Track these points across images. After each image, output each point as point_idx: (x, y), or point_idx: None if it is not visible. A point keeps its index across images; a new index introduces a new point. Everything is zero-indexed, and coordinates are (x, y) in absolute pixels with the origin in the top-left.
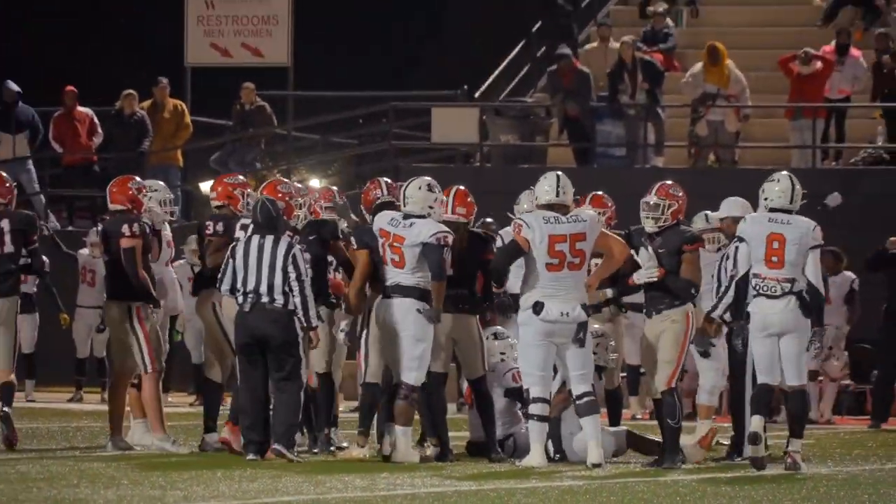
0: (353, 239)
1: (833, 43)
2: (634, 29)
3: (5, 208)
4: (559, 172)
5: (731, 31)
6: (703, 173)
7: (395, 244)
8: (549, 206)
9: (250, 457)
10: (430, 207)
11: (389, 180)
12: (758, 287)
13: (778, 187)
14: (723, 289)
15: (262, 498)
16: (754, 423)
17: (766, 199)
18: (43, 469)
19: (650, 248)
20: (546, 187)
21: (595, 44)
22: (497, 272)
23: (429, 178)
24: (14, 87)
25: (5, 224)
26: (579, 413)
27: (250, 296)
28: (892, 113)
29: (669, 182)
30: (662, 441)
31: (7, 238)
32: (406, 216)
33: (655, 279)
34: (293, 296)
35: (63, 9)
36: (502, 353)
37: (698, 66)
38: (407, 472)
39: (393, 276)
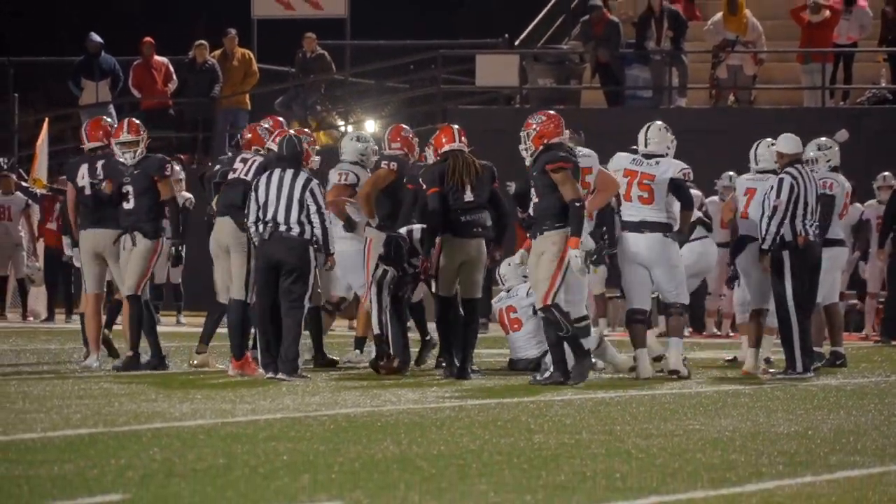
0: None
1: None
2: None
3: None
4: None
5: None
6: (723, 112)
7: (643, 181)
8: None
9: (269, 375)
10: (668, 147)
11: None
12: None
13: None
14: (765, 220)
15: (322, 410)
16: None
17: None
18: (124, 385)
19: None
20: None
21: None
22: (519, 197)
23: (663, 122)
24: (97, 38)
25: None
26: (580, 335)
27: (269, 224)
28: (895, 57)
29: (536, 113)
30: (551, 355)
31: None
32: (647, 155)
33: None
34: (313, 227)
35: None
36: (524, 276)
37: (718, 15)
38: (454, 387)
39: (637, 212)
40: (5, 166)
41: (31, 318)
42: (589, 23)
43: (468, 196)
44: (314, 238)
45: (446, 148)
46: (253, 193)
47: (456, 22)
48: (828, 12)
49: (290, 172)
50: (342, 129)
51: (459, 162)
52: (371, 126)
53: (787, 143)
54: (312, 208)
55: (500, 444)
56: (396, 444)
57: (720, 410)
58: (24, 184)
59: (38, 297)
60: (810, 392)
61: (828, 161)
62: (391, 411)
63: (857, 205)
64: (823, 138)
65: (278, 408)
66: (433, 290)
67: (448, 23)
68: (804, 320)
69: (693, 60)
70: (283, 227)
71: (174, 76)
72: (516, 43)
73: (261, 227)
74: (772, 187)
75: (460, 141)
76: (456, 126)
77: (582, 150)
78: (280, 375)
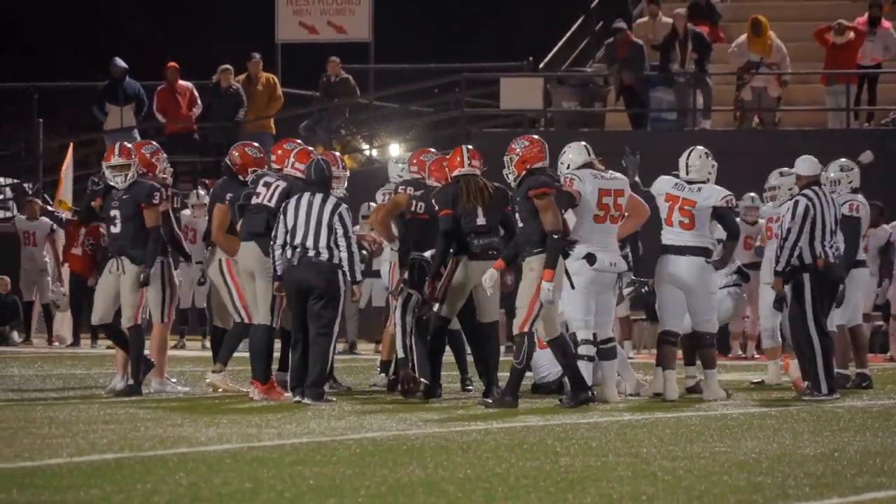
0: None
1: (866, 15)
2: (683, 3)
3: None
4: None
5: (771, 4)
6: (747, 134)
7: (684, 207)
8: (588, 166)
9: (296, 398)
10: (709, 173)
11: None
12: None
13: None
14: (779, 242)
15: (348, 434)
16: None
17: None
18: (150, 410)
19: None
20: (578, 153)
21: (645, 18)
22: None
23: (704, 148)
24: (122, 63)
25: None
26: (606, 356)
27: (297, 250)
28: None
29: (520, 137)
30: (508, 380)
31: None
32: (689, 182)
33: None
34: (339, 251)
35: None
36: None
37: (743, 37)
38: (480, 410)
39: (677, 237)
40: (30, 191)
41: (57, 343)
42: (613, 45)
43: (480, 219)
44: (341, 263)
45: (457, 172)
46: (281, 217)
47: (479, 45)
48: (852, 34)
49: (318, 197)
50: (366, 153)
51: (472, 185)
52: (395, 150)
53: (805, 164)
54: (339, 232)
55: (527, 468)
56: (422, 468)
57: (746, 433)
58: (49, 208)
59: (63, 322)
60: (836, 414)
61: (849, 182)
62: (417, 435)
63: (885, 226)
64: (844, 159)
65: (304, 432)
66: (435, 309)
67: (472, 46)
68: (826, 341)
69: (717, 82)
70: (311, 252)
71: (199, 101)
72: (540, 66)
73: (289, 252)
74: (787, 209)
75: (471, 164)
76: (468, 147)
77: (614, 174)
78: (306, 400)
